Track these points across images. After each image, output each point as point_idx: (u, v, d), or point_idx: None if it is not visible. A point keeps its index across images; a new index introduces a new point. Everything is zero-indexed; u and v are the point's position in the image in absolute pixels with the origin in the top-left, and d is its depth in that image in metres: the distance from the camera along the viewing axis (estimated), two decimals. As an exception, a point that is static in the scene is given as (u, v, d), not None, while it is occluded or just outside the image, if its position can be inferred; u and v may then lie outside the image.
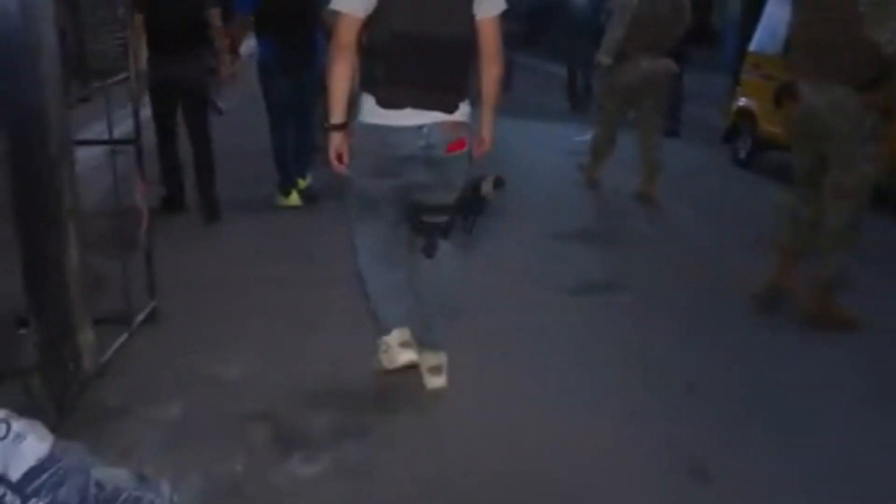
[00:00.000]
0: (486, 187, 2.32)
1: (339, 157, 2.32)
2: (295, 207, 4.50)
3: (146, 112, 3.60)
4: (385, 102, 2.23)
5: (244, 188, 4.72)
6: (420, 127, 2.24)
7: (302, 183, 4.54)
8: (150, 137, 3.62)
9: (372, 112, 2.25)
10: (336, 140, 2.31)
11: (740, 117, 6.63)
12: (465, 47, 2.26)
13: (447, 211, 2.34)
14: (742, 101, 6.56)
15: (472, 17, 2.26)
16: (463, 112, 2.30)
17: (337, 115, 2.29)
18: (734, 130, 6.80)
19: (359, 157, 2.31)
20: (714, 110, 7.75)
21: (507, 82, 9.94)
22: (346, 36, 2.21)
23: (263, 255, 3.76)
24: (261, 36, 4.30)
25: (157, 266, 3.01)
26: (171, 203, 4.35)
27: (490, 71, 2.36)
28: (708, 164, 6.52)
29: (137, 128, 2.89)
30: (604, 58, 4.97)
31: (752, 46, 6.66)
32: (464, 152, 2.32)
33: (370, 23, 2.21)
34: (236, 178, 4.75)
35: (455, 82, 2.26)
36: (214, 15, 4.23)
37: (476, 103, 2.38)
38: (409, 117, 2.23)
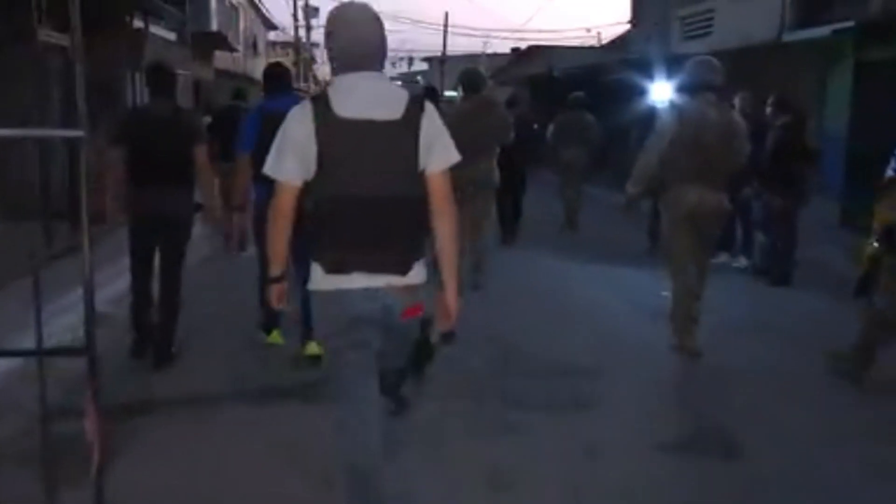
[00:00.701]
0: (435, 337, 2.31)
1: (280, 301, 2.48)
2: (278, 345, 4.40)
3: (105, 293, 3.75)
4: (332, 269, 2.25)
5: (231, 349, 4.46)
6: (375, 290, 2.26)
7: (315, 348, 4.16)
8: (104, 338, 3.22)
9: (322, 279, 2.28)
10: (275, 292, 2.46)
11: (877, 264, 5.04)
12: (412, 205, 2.27)
13: (399, 373, 2.47)
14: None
15: (418, 173, 2.26)
16: (418, 274, 2.32)
17: (274, 269, 2.41)
18: (869, 280, 5.31)
19: (326, 324, 2.33)
20: (824, 245, 6.93)
21: (572, 218, 9.14)
22: (285, 204, 2.27)
23: (261, 470, 3.00)
24: (256, 178, 3.98)
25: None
26: (139, 348, 4.23)
27: (443, 228, 2.33)
28: (840, 325, 5.10)
29: (90, 337, 2.22)
30: (631, 188, 4.50)
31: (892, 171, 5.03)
32: (419, 318, 2.37)
33: (310, 186, 2.24)
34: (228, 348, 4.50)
35: (405, 243, 2.28)
36: (200, 152, 4.11)
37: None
38: (360, 281, 2.25)
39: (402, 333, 2.36)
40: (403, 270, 2.26)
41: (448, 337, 2.27)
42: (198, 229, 4.56)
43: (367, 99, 2.22)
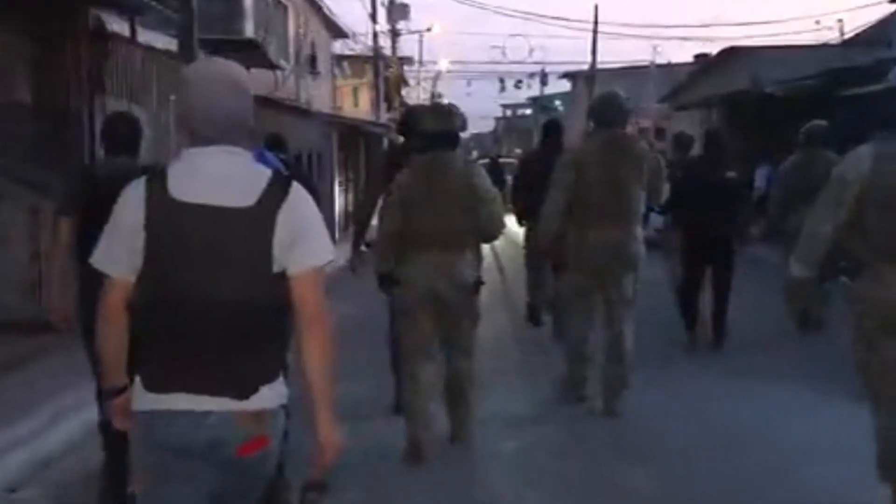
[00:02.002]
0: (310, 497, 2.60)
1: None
2: None
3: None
4: (150, 385, 2.47)
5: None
6: (201, 415, 2.44)
7: None
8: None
9: (140, 397, 2.50)
10: (115, 407, 2.65)
11: None
12: (258, 314, 2.47)
13: None
14: None
15: (272, 275, 2.48)
16: (266, 398, 2.50)
17: (111, 379, 2.65)
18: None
19: (134, 455, 2.62)
20: None
21: (815, 314, 8.95)
22: (113, 303, 2.53)
23: None
24: None
25: None
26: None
27: (310, 345, 2.54)
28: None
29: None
30: (797, 266, 4.28)
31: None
32: (265, 453, 2.55)
33: (137, 282, 2.52)
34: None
35: (247, 359, 2.47)
36: None
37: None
38: (183, 403, 2.44)
39: (243, 473, 2.55)
40: (243, 393, 2.45)
41: (316, 487, 2.52)
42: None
43: (212, 180, 2.48)
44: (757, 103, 18.08)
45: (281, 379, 2.53)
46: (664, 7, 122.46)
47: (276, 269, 2.45)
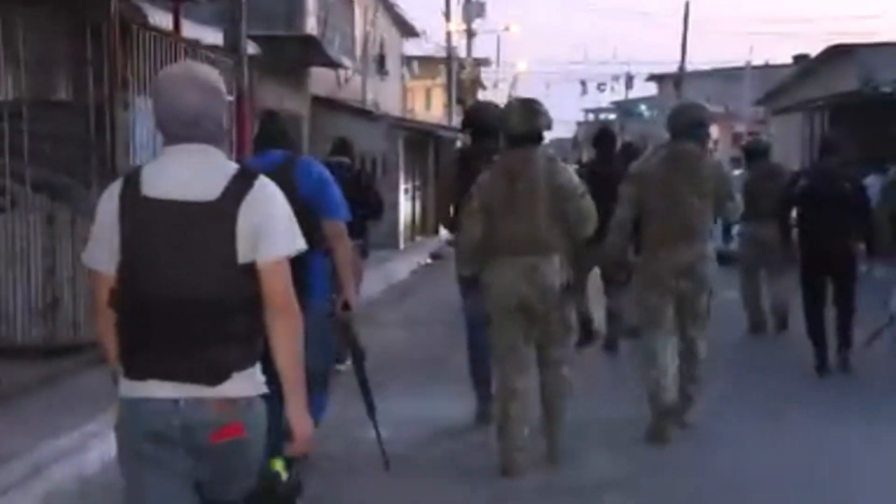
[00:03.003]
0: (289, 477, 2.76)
1: None
2: None
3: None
4: (129, 373, 2.64)
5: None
6: (173, 402, 2.59)
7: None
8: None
9: (123, 385, 2.68)
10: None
11: None
12: (227, 304, 2.60)
13: None
14: None
15: (239, 267, 2.60)
16: (239, 385, 2.62)
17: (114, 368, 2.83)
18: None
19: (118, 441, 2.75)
20: None
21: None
22: (102, 298, 2.70)
23: None
24: None
25: None
26: None
27: (278, 331, 2.67)
28: None
29: None
30: None
31: None
32: (242, 441, 2.65)
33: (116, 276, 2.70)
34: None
35: (218, 348, 2.60)
36: None
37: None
38: (156, 390, 2.60)
39: (218, 460, 2.66)
40: (213, 380, 2.58)
41: (294, 463, 2.72)
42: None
43: (180, 176, 2.64)
44: (866, 104, 17.14)
45: (258, 367, 2.66)
46: (758, 4, 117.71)
47: (242, 260, 2.58)
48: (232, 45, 11.07)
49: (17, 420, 5.65)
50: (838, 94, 18.46)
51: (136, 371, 2.58)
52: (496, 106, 6.83)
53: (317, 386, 4.45)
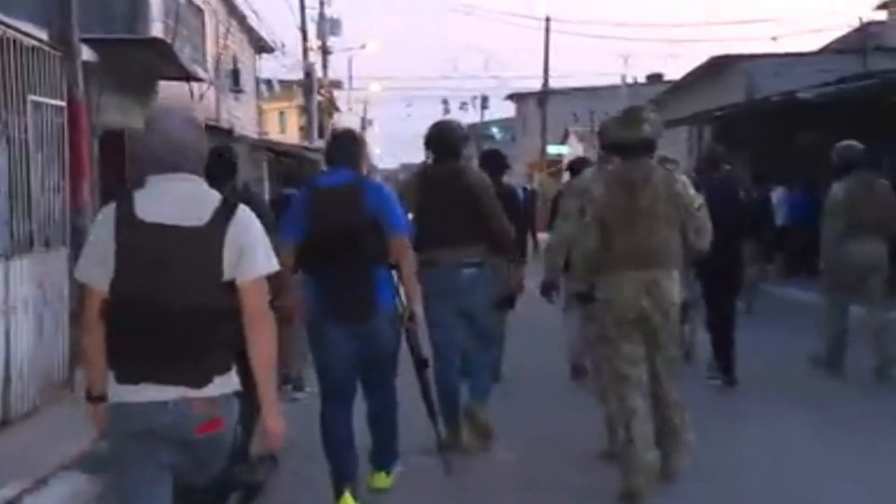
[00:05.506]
0: (261, 468, 3.36)
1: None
2: None
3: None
4: (120, 378, 3.02)
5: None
6: (163, 403, 3.01)
7: (382, 480, 5.24)
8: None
9: (113, 389, 3.06)
10: (95, 413, 3.23)
11: None
12: (213, 317, 3.02)
13: (211, 494, 3.26)
14: None
15: (224, 284, 3.05)
16: (221, 386, 3.06)
17: (96, 387, 3.17)
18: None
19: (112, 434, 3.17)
20: None
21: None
22: (91, 312, 3.09)
23: None
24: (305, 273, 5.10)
25: None
26: None
27: (255, 342, 3.10)
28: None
29: None
30: None
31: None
32: (221, 433, 3.12)
33: (109, 290, 3.09)
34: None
35: (203, 355, 3.03)
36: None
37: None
38: (149, 393, 3.00)
39: (199, 449, 3.11)
40: (199, 383, 3.01)
41: (265, 461, 3.21)
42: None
43: (171, 203, 3.08)
44: (754, 117, 17.08)
45: (234, 370, 3.08)
46: (636, 10, 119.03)
47: (226, 277, 3.03)
48: (60, 38, 9.23)
49: None
50: (721, 108, 18.16)
51: (130, 376, 2.99)
52: (460, 126, 7.05)
53: (392, 368, 5.16)
